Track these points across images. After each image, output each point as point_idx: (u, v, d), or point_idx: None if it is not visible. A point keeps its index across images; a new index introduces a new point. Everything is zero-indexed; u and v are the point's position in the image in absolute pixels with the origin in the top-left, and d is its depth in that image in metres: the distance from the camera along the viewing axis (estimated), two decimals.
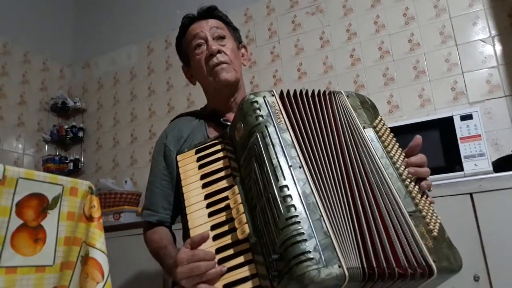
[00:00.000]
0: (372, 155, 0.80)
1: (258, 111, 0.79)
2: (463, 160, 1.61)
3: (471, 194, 1.43)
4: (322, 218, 0.68)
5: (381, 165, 0.79)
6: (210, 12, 1.13)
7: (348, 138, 0.82)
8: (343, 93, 0.89)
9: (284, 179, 0.71)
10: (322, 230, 0.67)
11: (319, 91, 0.87)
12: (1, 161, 1.05)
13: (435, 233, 0.73)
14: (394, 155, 0.82)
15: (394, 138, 0.86)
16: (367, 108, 0.89)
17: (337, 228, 0.69)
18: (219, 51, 1.06)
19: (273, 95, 0.83)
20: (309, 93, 0.86)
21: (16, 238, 0.76)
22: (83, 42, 3.23)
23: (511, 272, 1.33)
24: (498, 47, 1.99)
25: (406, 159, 0.83)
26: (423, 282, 0.70)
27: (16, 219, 0.76)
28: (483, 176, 1.46)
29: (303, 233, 0.65)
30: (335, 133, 0.82)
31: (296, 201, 0.69)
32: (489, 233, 1.38)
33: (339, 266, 0.64)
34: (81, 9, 3.31)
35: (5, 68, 2.74)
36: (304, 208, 0.68)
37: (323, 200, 0.71)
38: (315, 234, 0.66)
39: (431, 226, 0.74)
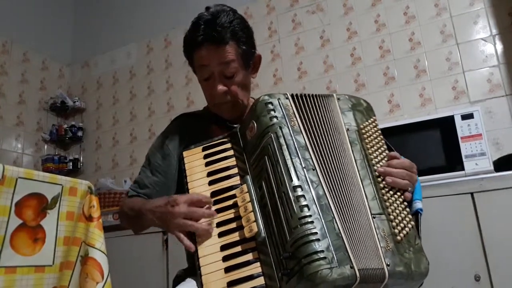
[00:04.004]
0: (349, 156, 0.81)
1: (272, 112, 0.80)
2: (464, 159, 1.61)
3: (472, 193, 1.43)
4: (334, 219, 0.70)
5: (355, 166, 0.80)
6: (223, 38, 0.95)
7: (336, 139, 0.83)
8: (334, 96, 0.90)
9: (298, 179, 0.72)
10: (335, 232, 0.68)
11: (319, 95, 0.88)
12: (0, 161, 1.05)
13: (399, 238, 0.73)
14: (376, 157, 0.82)
15: (382, 141, 0.86)
16: (359, 110, 0.89)
17: (349, 230, 0.70)
18: (225, 91, 0.99)
19: (287, 98, 0.84)
20: (317, 96, 0.87)
21: (16, 238, 0.75)
22: (82, 41, 3.22)
23: None
24: (499, 46, 1.99)
25: (388, 161, 0.83)
26: (376, 285, 0.69)
27: (15, 219, 0.76)
28: (484, 176, 1.46)
29: (316, 233, 0.67)
30: (331, 135, 0.83)
31: (309, 201, 0.70)
32: (490, 233, 1.38)
33: (351, 267, 0.65)
34: (81, 9, 3.31)
35: (4, 67, 2.73)
36: (317, 209, 0.70)
37: (336, 202, 0.72)
38: (327, 234, 0.67)
39: (396, 230, 0.74)
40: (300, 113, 0.83)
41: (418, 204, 0.83)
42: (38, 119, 2.91)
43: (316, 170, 0.75)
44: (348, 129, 0.84)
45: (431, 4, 2.16)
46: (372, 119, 0.89)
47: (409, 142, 1.72)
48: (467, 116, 1.64)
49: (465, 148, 1.61)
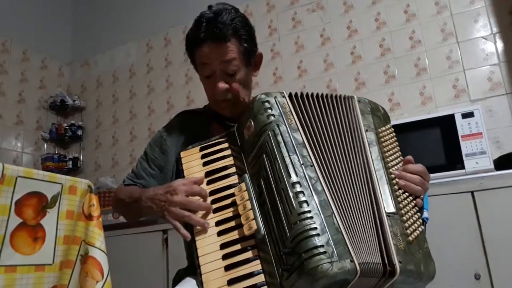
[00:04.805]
0: (366, 155, 0.82)
1: (269, 111, 0.81)
2: (464, 158, 1.60)
3: (472, 192, 1.43)
4: (333, 215, 0.70)
5: (372, 165, 0.81)
6: (225, 35, 0.95)
7: (348, 138, 0.83)
8: (355, 97, 0.91)
9: (296, 175, 0.73)
10: (334, 226, 0.69)
11: (327, 94, 0.89)
12: (0, 160, 1.04)
13: (410, 238, 0.74)
14: (391, 161, 0.84)
15: (398, 148, 0.88)
16: (377, 115, 0.91)
17: (348, 225, 0.71)
18: (227, 89, 0.99)
19: (283, 96, 0.84)
20: (319, 96, 0.87)
21: (16, 237, 0.75)
22: (82, 40, 3.22)
23: None
24: (500, 45, 1.98)
25: (403, 166, 0.85)
26: (385, 281, 0.70)
27: (15, 218, 0.75)
28: (484, 174, 1.46)
29: (316, 228, 0.67)
30: (339, 134, 0.84)
31: (308, 197, 0.70)
32: (490, 231, 1.38)
33: (351, 261, 0.65)
34: (80, 7, 3.30)
35: (4, 66, 2.73)
36: (316, 204, 0.70)
37: (334, 198, 0.73)
38: (327, 229, 0.67)
39: (408, 231, 0.75)
40: (298, 110, 0.83)
41: (425, 213, 0.85)
42: (37, 118, 2.90)
43: (314, 166, 0.75)
44: (367, 130, 0.85)
45: (432, 3, 2.15)
46: (388, 125, 0.91)
47: (410, 140, 1.72)
48: (467, 115, 1.64)
49: (466, 146, 1.61)
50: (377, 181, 0.79)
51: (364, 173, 0.80)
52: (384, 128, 0.89)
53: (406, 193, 0.81)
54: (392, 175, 0.81)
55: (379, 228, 0.73)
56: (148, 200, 0.89)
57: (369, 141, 0.84)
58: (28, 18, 2.92)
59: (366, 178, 0.79)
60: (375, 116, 0.90)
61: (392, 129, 0.90)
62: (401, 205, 0.78)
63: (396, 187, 0.80)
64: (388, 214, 0.75)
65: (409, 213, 0.78)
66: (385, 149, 0.85)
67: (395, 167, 0.84)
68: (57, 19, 3.17)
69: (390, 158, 0.84)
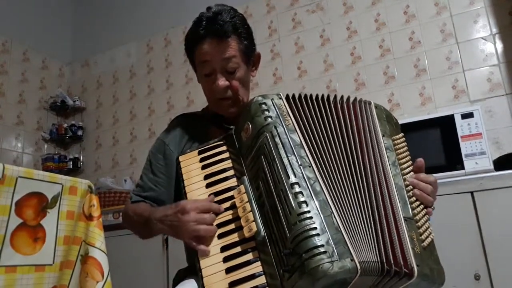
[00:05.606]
0: (384, 160, 0.82)
1: (266, 112, 0.81)
2: (464, 158, 1.61)
3: (472, 192, 1.43)
4: (333, 214, 0.70)
5: (389, 171, 0.81)
6: (225, 31, 0.96)
7: (364, 141, 0.83)
8: (373, 102, 0.92)
9: (295, 176, 0.72)
10: (334, 226, 0.69)
11: (329, 95, 0.89)
12: (0, 160, 1.04)
13: (425, 244, 0.75)
14: (405, 168, 0.85)
15: (409, 157, 0.88)
16: (391, 123, 0.91)
17: (347, 224, 0.71)
18: (227, 86, 1.00)
19: (280, 98, 0.85)
20: (318, 97, 0.87)
21: (16, 237, 0.76)
22: (82, 40, 3.22)
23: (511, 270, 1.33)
24: (499, 45, 1.99)
25: (416, 174, 0.85)
26: (401, 283, 0.71)
27: (15, 218, 0.76)
28: (484, 175, 1.46)
29: (316, 228, 0.67)
30: (345, 135, 0.83)
31: (307, 197, 0.70)
32: (490, 232, 1.38)
33: (351, 260, 0.65)
34: (80, 8, 3.30)
35: (4, 66, 2.73)
36: (315, 204, 0.70)
37: (333, 198, 0.73)
38: (327, 229, 0.67)
39: (422, 237, 0.76)
40: (295, 112, 0.83)
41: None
42: (38, 118, 2.91)
43: (313, 166, 0.75)
44: (383, 135, 0.86)
45: (431, 3, 2.16)
46: (401, 135, 0.91)
47: (409, 141, 1.70)
48: (467, 115, 1.64)
49: (465, 147, 1.61)
50: (394, 185, 0.79)
51: (377, 176, 0.80)
52: (398, 136, 0.89)
53: (419, 200, 0.82)
54: (407, 182, 0.82)
55: (394, 230, 0.73)
56: (158, 222, 0.87)
57: (386, 146, 0.84)
58: (28, 18, 2.92)
59: (380, 182, 0.79)
60: (389, 124, 0.90)
61: (404, 138, 0.90)
62: (415, 211, 0.79)
63: (411, 193, 0.81)
64: (405, 219, 0.75)
65: (422, 220, 0.78)
66: (399, 156, 0.85)
67: (409, 174, 0.84)
68: (57, 19, 3.17)
69: (404, 165, 0.85)
